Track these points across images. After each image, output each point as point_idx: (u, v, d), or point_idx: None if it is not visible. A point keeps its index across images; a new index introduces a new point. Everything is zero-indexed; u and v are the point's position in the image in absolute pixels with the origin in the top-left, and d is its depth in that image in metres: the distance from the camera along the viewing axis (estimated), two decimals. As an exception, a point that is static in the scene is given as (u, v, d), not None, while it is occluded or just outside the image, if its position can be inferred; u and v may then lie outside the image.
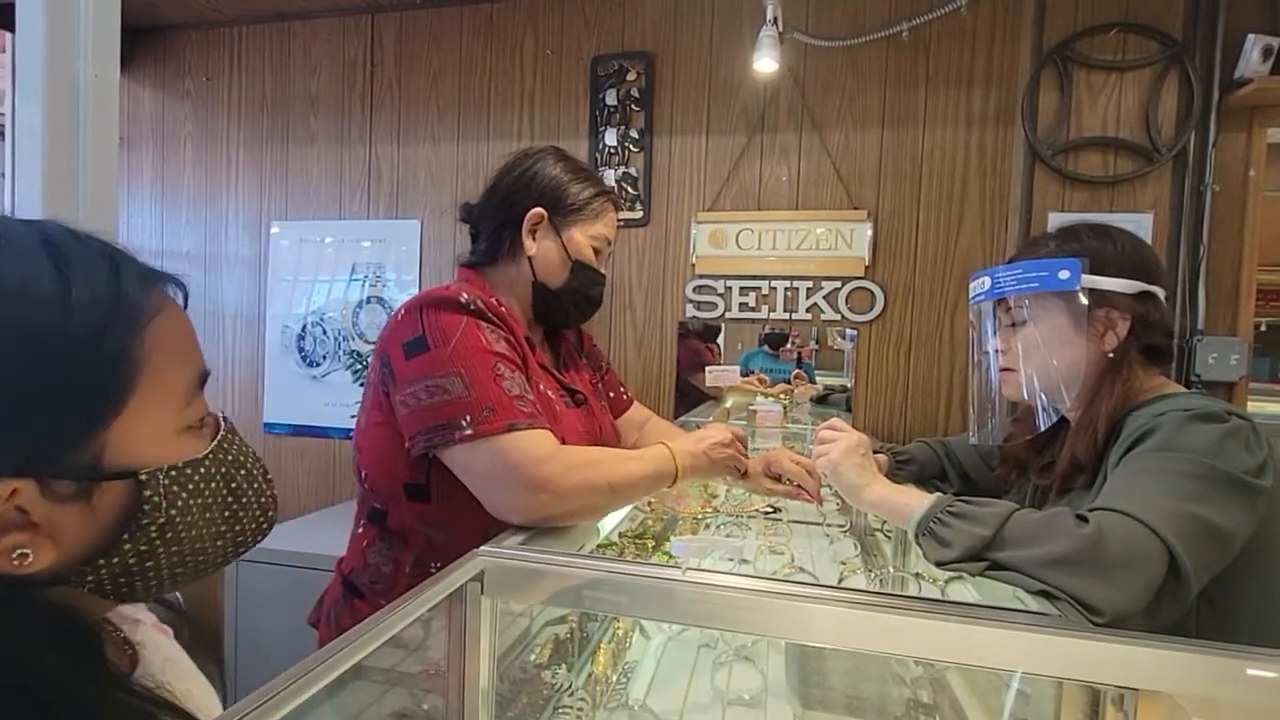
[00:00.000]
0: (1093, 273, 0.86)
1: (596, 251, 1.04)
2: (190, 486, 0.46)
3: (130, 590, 0.45)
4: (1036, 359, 0.90)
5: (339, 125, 2.53)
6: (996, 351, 0.95)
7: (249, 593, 2.01)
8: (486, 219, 1.02)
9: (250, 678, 2.01)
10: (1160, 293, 0.88)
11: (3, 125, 2.59)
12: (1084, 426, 0.87)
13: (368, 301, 2.53)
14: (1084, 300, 0.86)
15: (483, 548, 0.67)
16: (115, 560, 0.44)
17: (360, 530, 0.96)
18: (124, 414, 0.42)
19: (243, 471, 0.50)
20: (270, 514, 0.53)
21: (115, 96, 1.04)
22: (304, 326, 2.58)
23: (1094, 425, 0.86)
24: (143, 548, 0.44)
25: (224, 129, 2.65)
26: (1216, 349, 1.81)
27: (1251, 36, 1.74)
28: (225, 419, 0.51)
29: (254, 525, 0.52)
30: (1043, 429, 0.92)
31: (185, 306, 0.49)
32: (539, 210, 0.98)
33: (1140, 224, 1.82)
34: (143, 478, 0.43)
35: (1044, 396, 0.91)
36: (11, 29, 0.96)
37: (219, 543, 0.49)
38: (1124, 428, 0.83)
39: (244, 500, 0.50)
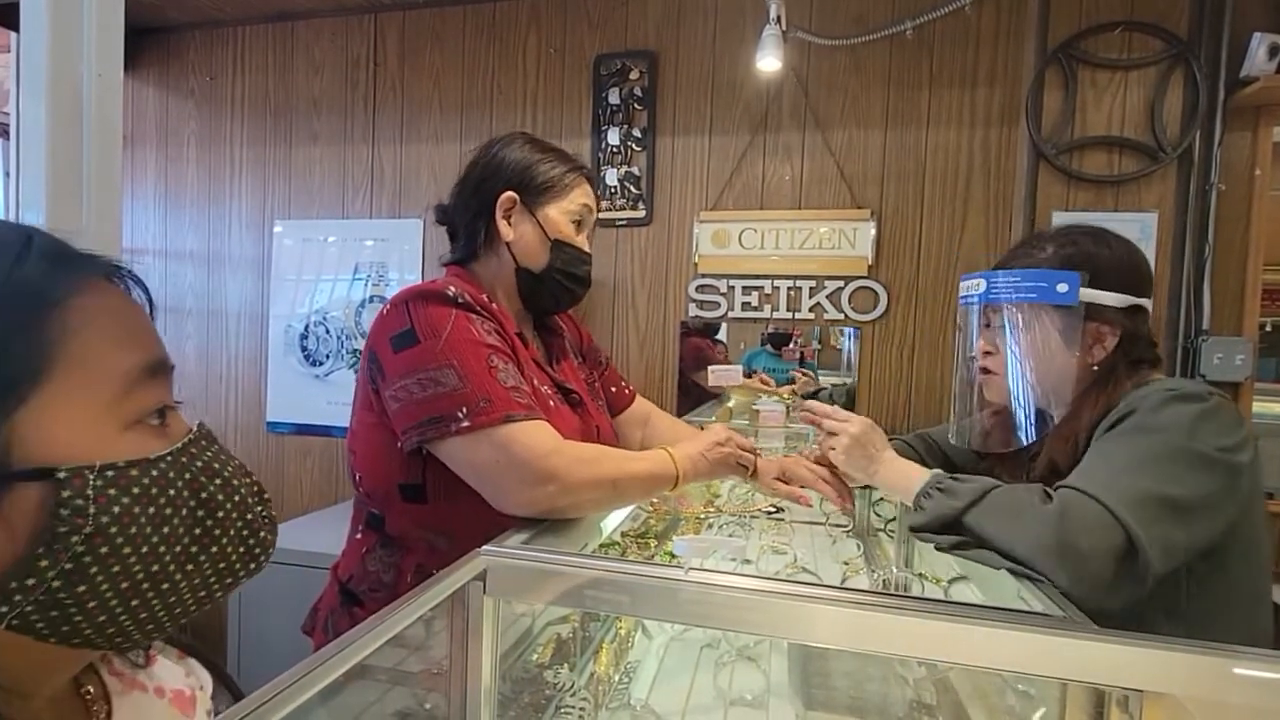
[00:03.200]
0: (1090, 285, 0.86)
1: (578, 226, 1.00)
2: (135, 490, 0.37)
3: (72, 629, 0.37)
4: (1022, 367, 0.91)
5: (342, 124, 2.54)
6: (984, 353, 0.96)
7: (252, 592, 2.01)
8: (460, 213, 1.00)
9: (252, 677, 2.01)
10: (1148, 305, 0.89)
11: (7, 124, 2.60)
12: (1064, 436, 0.88)
13: (370, 301, 2.53)
14: (1078, 314, 0.87)
15: (485, 547, 0.67)
16: (32, 583, 0.35)
17: (359, 536, 0.94)
18: (35, 401, 0.36)
19: (218, 481, 0.42)
20: (264, 536, 0.45)
21: (119, 95, 1.04)
22: (307, 326, 2.58)
23: (1074, 436, 0.87)
24: (67, 566, 0.35)
25: (227, 128, 2.65)
26: (1221, 349, 1.80)
27: (1257, 35, 1.73)
28: (202, 425, 0.45)
29: (241, 549, 0.43)
30: (1023, 443, 0.94)
31: (150, 306, 0.44)
32: (510, 194, 0.96)
33: (1145, 223, 1.81)
34: (61, 475, 0.35)
35: (1025, 404, 0.93)
36: (16, 28, 0.96)
37: (190, 568, 0.40)
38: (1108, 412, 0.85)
39: (221, 516, 0.42)
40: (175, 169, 2.71)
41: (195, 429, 0.44)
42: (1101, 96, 1.84)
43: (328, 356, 2.56)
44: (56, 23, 0.96)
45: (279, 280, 2.62)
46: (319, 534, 2.15)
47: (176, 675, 0.48)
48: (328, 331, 2.57)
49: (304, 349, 2.59)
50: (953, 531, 0.75)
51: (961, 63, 2.04)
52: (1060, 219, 1.85)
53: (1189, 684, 0.47)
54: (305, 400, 2.58)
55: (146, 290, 0.44)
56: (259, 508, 0.45)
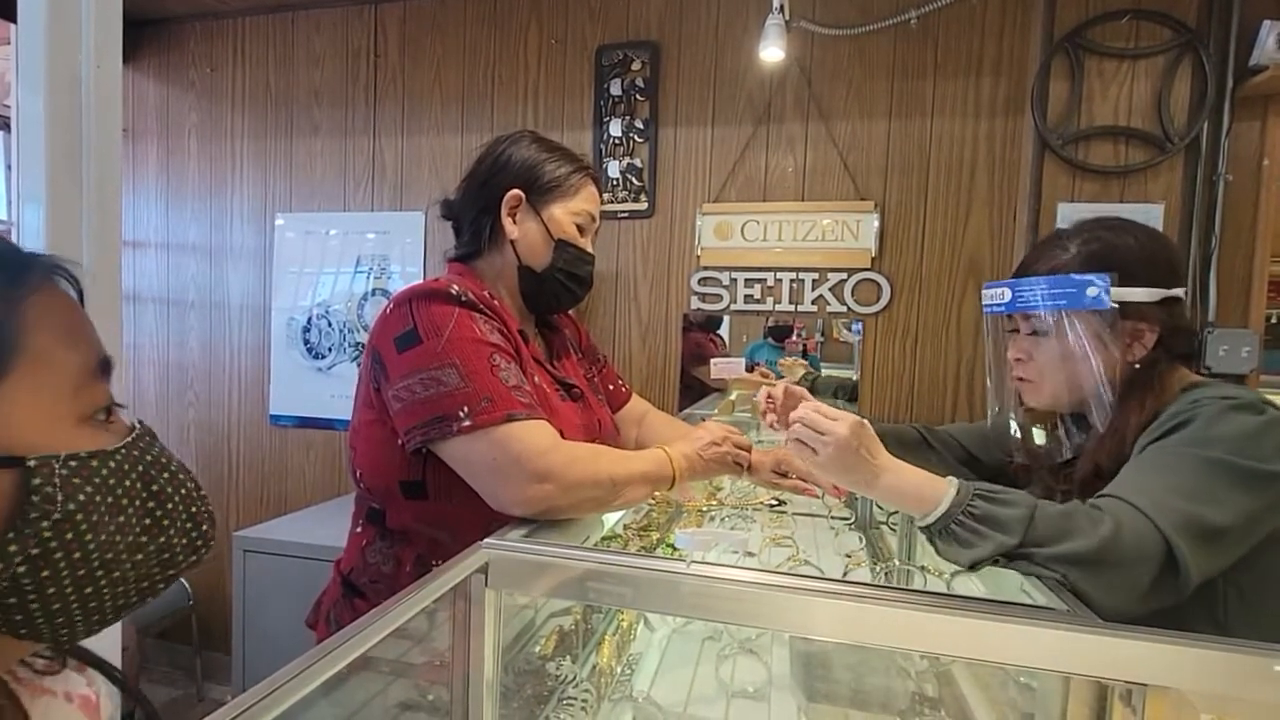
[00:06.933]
0: (1120, 283, 0.82)
1: (581, 230, 1.01)
2: (96, 480, 0.40)
3: (26, 617, 0.38)
4: (1058, 372, 0.87)
5: (343, 116, 2.53)
6: (1016, 360, 0.92)
7: (257, 584, 2.02)
8: (466, 209, 1.00)
9: (257, 669, 2.03)
10: (1182, 294, 0.85)
11: (7, 117, 2.60)
12: (1110, 436, 0.84)
13: (372, 294, 2.53)
14: (1113, 315, 0.83)
15: (487, 540, 0.67)
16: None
17: (359, 530, 0.95)
18: (1, 394, 0.38)
19: (165, 475, 0.44)
20: (205, 529, 0.47)
21: (118, 87, 1.03)
22: (309, 319, 2.58)
23: (1121, 436, 0.83)
24: (34, 550, 0.37)
25: (228, 120, 2.64)
26: (1227, 341, 1.79)
27: (1267, 23, 1.71)
28: (143, 423, 0.46)
29: (185, 540, 0.45)
30: (1067, 450, 0.91)
31: (81, 300, 0.45)
32: (516, 192, 0.96)
33: (1151, 214, 1.80)
34: (31, 464, 0.37)
35: (1066, 411, 0.90)
36: (14, 20, 0.96)
37: (139, 557, 0.42)
38: (1157, 418, 0.81)
39: (170, 508, 0.44)
40: (176, 161, 2.71)
41: (139, 426, 0.46)
42: (1108, 86, 1.82)
43: (330, 349, 2.57)
44: (54, 14, 0.96)
45: (281, 273, 2.62)
46: (321, 527, 2.16)
47: (79, 683, 0.49)
48: (330, 324, 2.57)
49: (306, 342, 2.59)
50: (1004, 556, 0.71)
51: (966, 52, 2.02)
52: (1066, 210, 1.84)
53: (1193, 678, 0.47)
54: (307, 393, 2.58)
55: (80, 289, 0.46)
56: (200, 503, 0.47)
